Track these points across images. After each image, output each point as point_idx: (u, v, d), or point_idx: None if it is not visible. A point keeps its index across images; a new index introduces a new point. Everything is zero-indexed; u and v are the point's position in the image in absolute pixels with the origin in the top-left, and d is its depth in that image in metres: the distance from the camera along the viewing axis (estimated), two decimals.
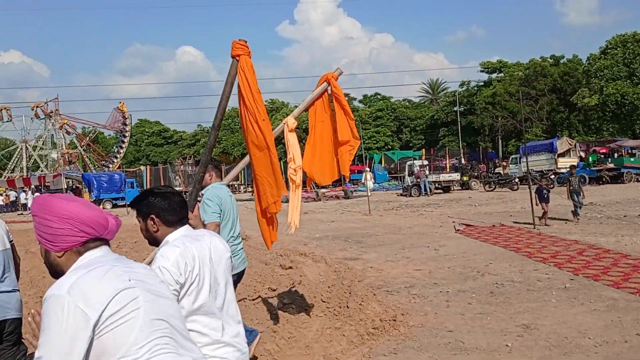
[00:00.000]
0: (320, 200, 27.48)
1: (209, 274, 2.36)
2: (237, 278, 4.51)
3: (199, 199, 3.88)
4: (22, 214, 37.17)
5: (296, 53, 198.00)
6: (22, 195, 42.66)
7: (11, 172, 55.92)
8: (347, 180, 6.49)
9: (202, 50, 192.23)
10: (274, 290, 7.33)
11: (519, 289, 6.78)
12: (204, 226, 4.15)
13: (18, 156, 58.49)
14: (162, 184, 37.96)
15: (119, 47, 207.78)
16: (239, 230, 4.65)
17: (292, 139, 4.55)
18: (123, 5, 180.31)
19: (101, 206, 36.16)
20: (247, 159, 4.42)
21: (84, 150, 60.43)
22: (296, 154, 4.54)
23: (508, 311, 5.86)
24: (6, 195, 44.11)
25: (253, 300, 6.84)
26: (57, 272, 1.83)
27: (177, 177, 39.03)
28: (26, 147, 58.07)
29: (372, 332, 5.39)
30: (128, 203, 32.81)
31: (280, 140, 4.23)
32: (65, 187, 45.07)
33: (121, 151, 58.87)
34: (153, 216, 2.45)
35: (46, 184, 44.81)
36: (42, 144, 60.08)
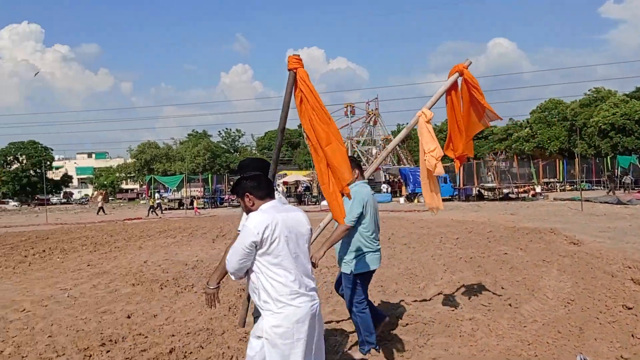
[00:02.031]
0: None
1: (285, 239, 3.00)
2: (370, 276, 4.88)
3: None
4: None
5: (622, 35, 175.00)
6: None
7: None
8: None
9: (515, 41, 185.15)
10: (630, 308, 6.33)
11: None
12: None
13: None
14: (475, 179, 37.70)
15: (430, 47, 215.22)
16: (378, 229, 4.88)
17: (430, 130, 4.73)
18: (436, 4, 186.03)
19: (415, 200, 37.91)
20: (385, 152, 5.43)
21: (398, 145, 64.33)
22: (437, 145, 4.76)
23: None
24: None
25: (608, 318, 6.01)
26: None
27: (489, 173, 38.26)
28: (351, 143, 64.65)
29: None
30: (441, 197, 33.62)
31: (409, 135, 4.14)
32: (384, 180, 48.70)
33: None
34: (247, 194, 3.19)
35: (368, 177, 49.07)
36: (364, 142, 66.05)
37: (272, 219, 2.98)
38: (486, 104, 4.98)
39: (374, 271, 4.85)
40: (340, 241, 4.72)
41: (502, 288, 7.57)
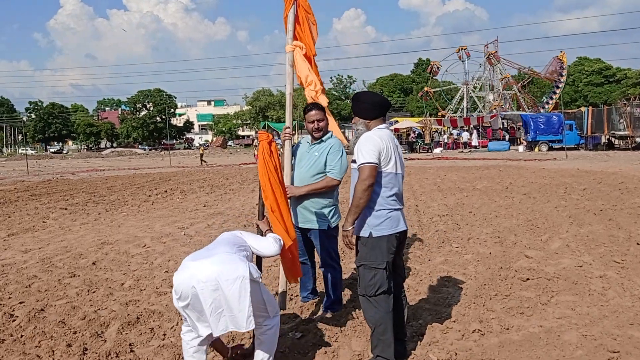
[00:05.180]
0: None
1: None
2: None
3: None
4: (462, 151, 39.96)
5: None
6: (465, 134, 45.81)
7: (453, 113, 60.67)
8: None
9: None
10: None
11: None
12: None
13: (459, 97, 62.83)
14: (605, 126, 34.59)
15: None
16: None
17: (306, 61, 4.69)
18: None
19: (536, 148, 35.71)
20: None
21: (518, 91, 60.48)
22: (315, 78, 4.70)
23: None
24: (450, 133, 48.24)
25: None
26: None
27: (621, 120, 34.80)
28: (467, 89, 61.77)
29: None
30: (565, 146, 31.38)
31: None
32: (501, 127, 46.23)
33: (550, 102, 56.40)
34: None
35: (484, 124, 46.83)
36: (480, 87, 62.84)
37: None
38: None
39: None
40: (314, 197, 4.71)
41: (638, 244, 6.78)
